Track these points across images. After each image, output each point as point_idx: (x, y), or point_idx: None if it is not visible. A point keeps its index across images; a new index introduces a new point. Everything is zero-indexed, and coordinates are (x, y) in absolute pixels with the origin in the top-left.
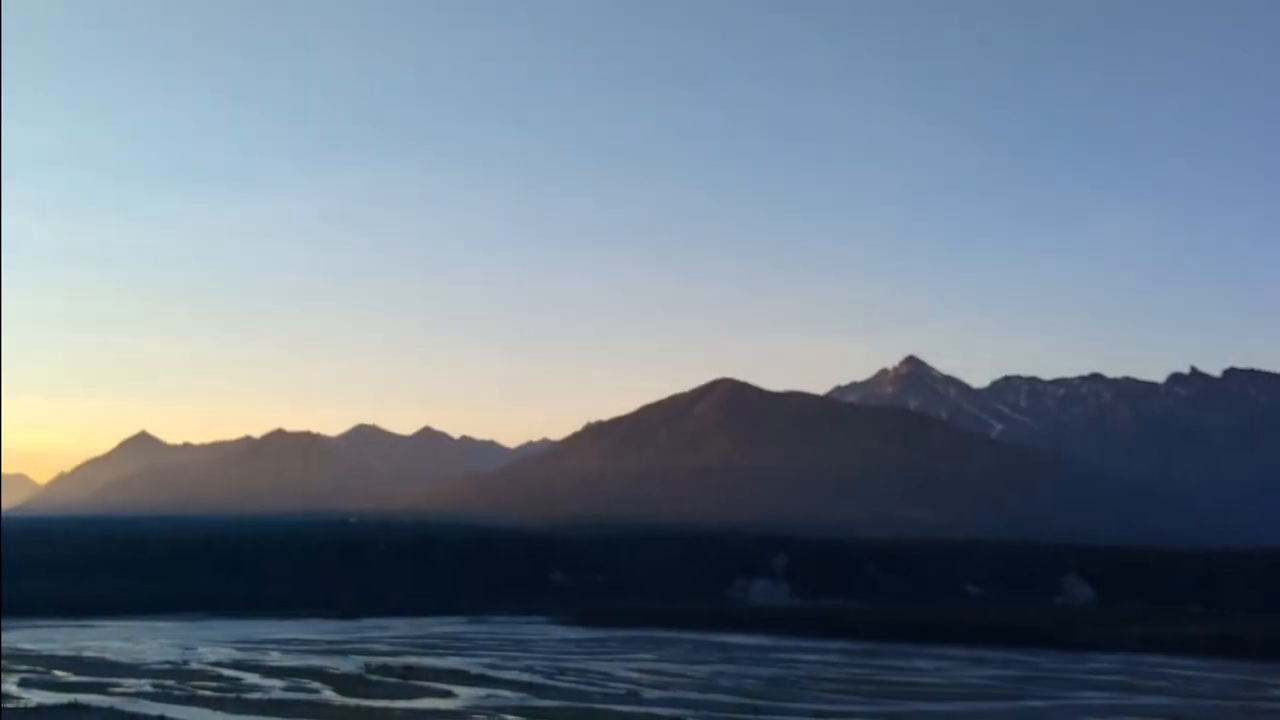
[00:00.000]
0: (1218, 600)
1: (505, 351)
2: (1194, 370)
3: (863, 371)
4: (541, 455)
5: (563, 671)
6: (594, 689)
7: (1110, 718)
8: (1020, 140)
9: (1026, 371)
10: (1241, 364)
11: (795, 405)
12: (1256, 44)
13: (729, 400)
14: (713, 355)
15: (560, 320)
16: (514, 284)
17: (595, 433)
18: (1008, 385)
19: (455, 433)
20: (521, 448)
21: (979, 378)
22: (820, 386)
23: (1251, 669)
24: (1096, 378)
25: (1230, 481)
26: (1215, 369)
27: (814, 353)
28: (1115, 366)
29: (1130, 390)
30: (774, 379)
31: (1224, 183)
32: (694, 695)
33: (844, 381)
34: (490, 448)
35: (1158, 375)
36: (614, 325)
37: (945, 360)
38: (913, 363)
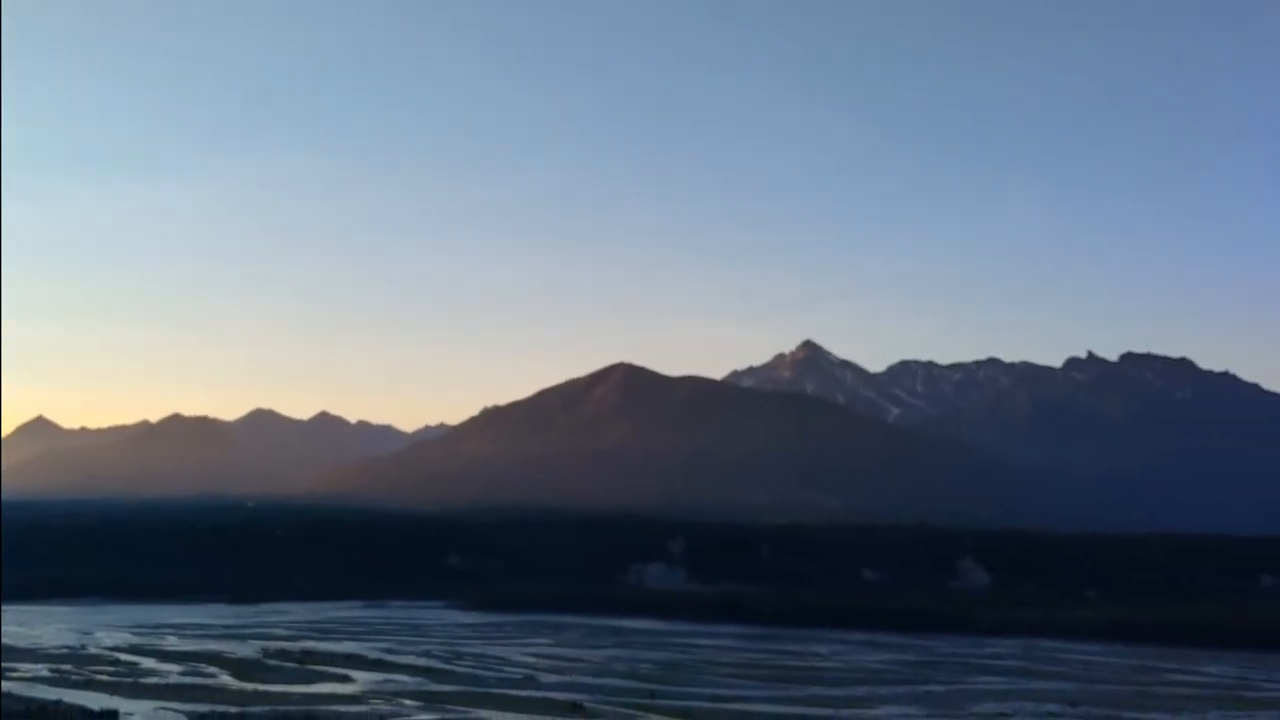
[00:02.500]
0: (1114, 585)
1: (402, 336)
2: (1091, 355)
3: (760, 356)
4: (438, 440)
5: (459, 656)
6: (490, 673)
7: (1009, 702)
8: (919, 124)
9: (923, 356)
10: (1139, 349)
11: (692, 389)
12: (1159, 29)
13: (626, 384)
14: (610, 339)
15: (457, 304)
16: (411, 268)
17: (492, 417)
18: (904, 370)
19: (352, 417)
20: (418, 432)
21: (876, 362)
22: (717, 371)
23: (1147, 653)
24: (993, 362)
25: (1127, 466)
26: (1112, 354)
27: (711, 337)
28: (1012, 351)
29: (1027, 375)
30: (671, 363)
31: (1121, 167)
32: (590, 679)
33: (741, 366)
34: (387, 432)
35: (1055, 360)
36: (511, 309)
37: (842, 345)
38: (809, 347)
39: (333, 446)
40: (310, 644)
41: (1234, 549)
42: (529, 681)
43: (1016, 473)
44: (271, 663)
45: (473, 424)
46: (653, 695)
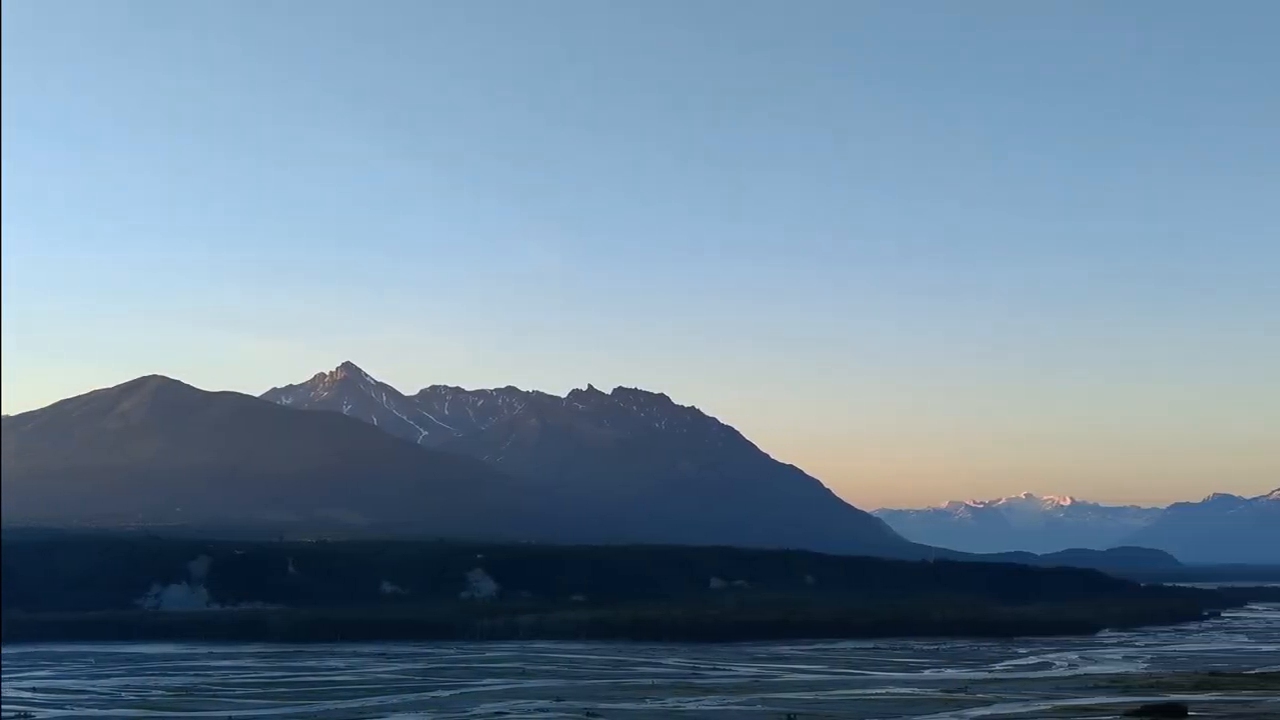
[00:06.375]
0: (597, 589)
1: None
2: (590, 387)
3: (300, 375)
4: None
5: None
6: None
7: (506, 701)
8: (455, 166)
9: (451, 382)
10: (628, 384)
11: (230, 405)
12: (690, 100)
13: (158, 398)
14: (140, 349)
15: None
16: None
17: None
18: (434, 394)
19: None
20: None
21: (409, 386)
22: (257, 388)
23: (622, 648)
24: (511, 390)
25: (616, 485)
26: (607, 387)
27: (252, 354)
28: (528, 380)
29: (539, 403)
30: (208, 378)
31: (613, 210)
32: (95, 712)
33: (281, 384)
34: None
35: (561, 390)
36: (24, 309)
37: (379, 368)
38: (349, 369)
39: None
40: None
41: (691, 557)
42: None
43: (526, 490)
44: None
45: None
46: None
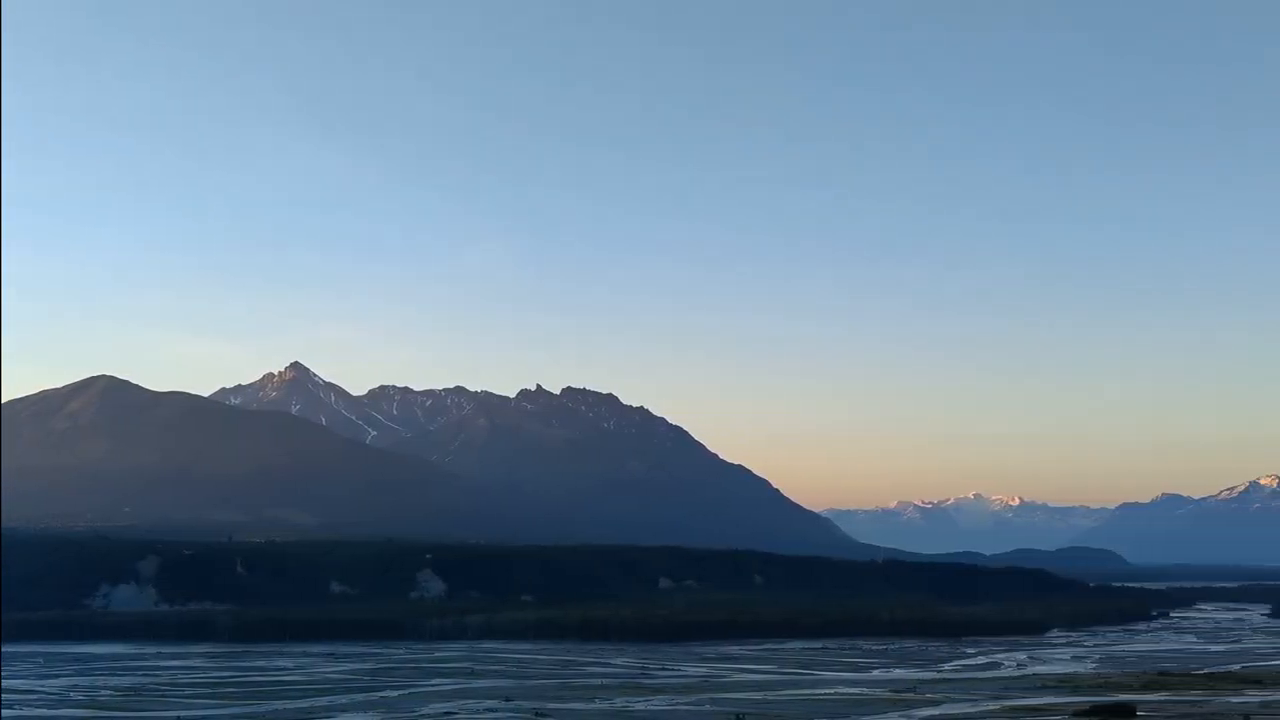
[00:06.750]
0: (545, 589)
1: None
2: (539, 387)
3: (249, 375)
4: None
5: None
6: None
7: (454, 701)
8: (407, 163)
9: (400, 382)
10: (577, 384)
11: (178, 405)
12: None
13: (107, 398)
14: (89, 350)
15: None
16: None
17: None
18: (383, 394)
19: None
20: None
21: (357, 386)
22: (205, 388)
23: (571, 648)
24: (460, 390)
25: (564, 485)
26: (556, 387)
27: (201, 354)
28: (476, 380)
29: (487, 403)
30: (156, 378)
31: (563, 211)
32: (43, 712)
33: (230, 384)
34: None
35: (510, 390)
36: None
37: (328, 368)
38: (297, 369)
39: None
40: None
41: (639, 557)
42: None
43: (475, 490)
44: None
45: None
46: None
